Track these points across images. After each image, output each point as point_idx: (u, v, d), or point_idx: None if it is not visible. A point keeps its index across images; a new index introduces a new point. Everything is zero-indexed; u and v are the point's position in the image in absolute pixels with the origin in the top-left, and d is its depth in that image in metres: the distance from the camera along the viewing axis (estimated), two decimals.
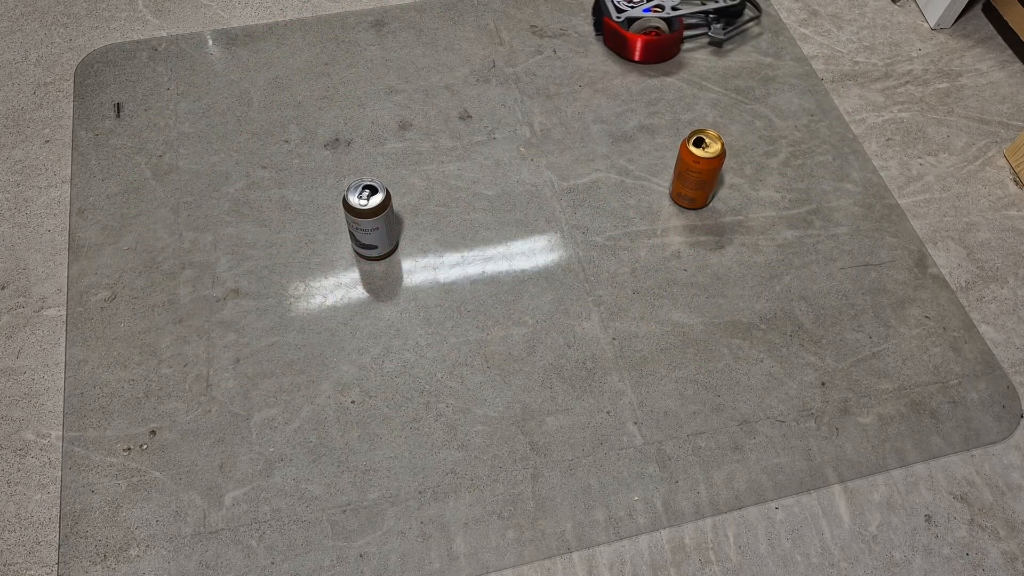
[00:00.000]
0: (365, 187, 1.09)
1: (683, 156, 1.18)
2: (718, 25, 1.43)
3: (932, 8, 1.51)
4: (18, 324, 1.11)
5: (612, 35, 1.41)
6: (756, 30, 1.49)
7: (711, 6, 1.43)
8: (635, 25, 1.39)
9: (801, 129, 1.35)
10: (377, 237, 1.13)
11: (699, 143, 1.17)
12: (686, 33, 1.45)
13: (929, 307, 1.17)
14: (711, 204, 1.26)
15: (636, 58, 1.41)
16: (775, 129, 1.35)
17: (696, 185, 1.20)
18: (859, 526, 0.99)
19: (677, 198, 1.25)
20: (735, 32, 1.46)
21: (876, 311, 1.16)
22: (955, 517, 1.00)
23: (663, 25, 1.39)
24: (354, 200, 1.08)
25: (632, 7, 1.40)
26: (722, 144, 1.17)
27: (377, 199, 1.08)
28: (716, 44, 1.44)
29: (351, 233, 1.14)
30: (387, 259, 1.19)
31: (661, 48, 1.40)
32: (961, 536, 0.99)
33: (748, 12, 1.48)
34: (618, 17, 1.39)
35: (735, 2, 1.43)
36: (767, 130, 1.35)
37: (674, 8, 1.40)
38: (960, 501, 1.01)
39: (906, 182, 1.30)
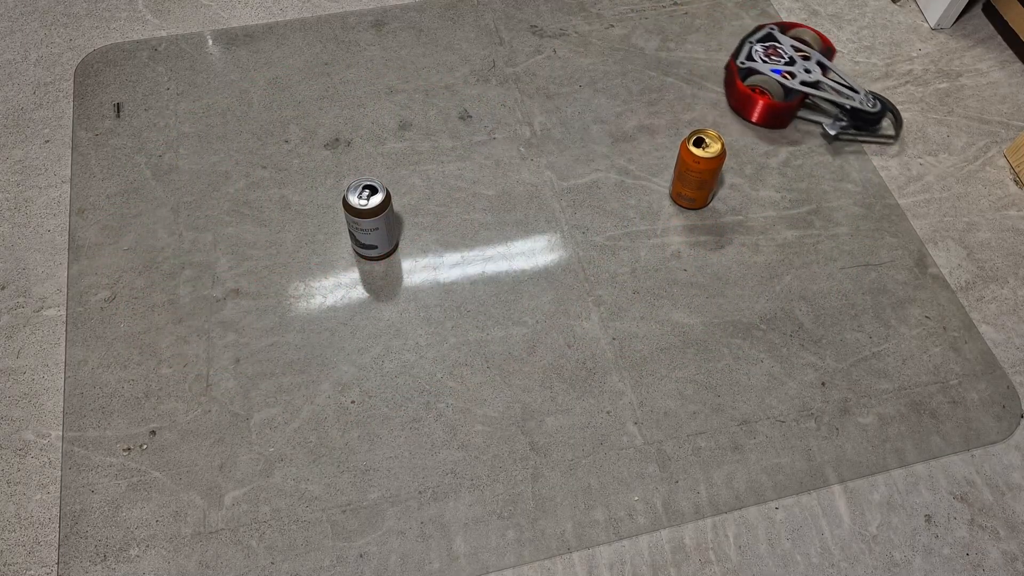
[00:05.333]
0: (365, 187, 1.09)
1: (683, 156, 1.18)
2: (841, 122, 1.31)
3: (932, 8, 1.51)
4: (18, 324, 1.11)
5: (732, 86, 1.35)
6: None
7: (845, 102, 1.30)
8: (751, 79, 1.33)
9: (801, 129, 1.35)
10: (377, 237, 1.13)
11: (699, 143, 1.17)
12: (804, 114, 1.35)
13: (929, 307, 1.17)
14: (711, 204, 1.26)
15: (754, 119, 1.34)
16: (775, 129, 1.35)
17: (696, 185, 1.20)
18: (859, 526, 0.99)
19: (677, 198, 1.25)
20: (852, 137, 1.33)
21: (876, 311, 1.16)
22: (955, 517, 1.00)
23: (769, 86, 1.31)
24: (354, 200, 1.08)
25: (770, 64, 1.32)
26: (722, 144, 1.17)
27: (377, 199, 1.08)
28: (827, 138, 1.32)
29: (351, 233, 1.14)
30: (387, 259, 1.19)
31: (778, 113, 1.32)
32: (961, 536, 0.99)
33: (883, 129, 1.35)
34: (742, 63, 1.33)
35: (873, 110, 1.29)
36: (767, 130, 1.35)
37: (804, 84, 1.30)
38: (960, 501, 1.01)
39: (906, 182, 1.30)
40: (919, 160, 1.33)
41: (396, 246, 1.20)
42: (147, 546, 0.95)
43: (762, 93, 1.31)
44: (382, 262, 1.18)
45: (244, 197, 1.24)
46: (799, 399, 1.08)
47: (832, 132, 1.30)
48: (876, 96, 1.31)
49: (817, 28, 1.50)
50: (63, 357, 1.08)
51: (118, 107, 1.33)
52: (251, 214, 1.22)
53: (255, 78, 1.38)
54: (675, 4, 1.53)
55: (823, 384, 1.09)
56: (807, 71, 1.31)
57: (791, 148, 1.33)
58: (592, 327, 1.13)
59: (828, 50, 1.38)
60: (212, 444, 1.02)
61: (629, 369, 1.10)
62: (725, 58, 1.44)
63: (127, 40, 1.43)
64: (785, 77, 1.30)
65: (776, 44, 1.34)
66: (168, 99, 1.35)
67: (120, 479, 0.99)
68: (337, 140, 1.31)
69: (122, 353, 1.08)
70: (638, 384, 1.08)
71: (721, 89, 1.40)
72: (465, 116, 1.35)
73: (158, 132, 1.30)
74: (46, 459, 1.01)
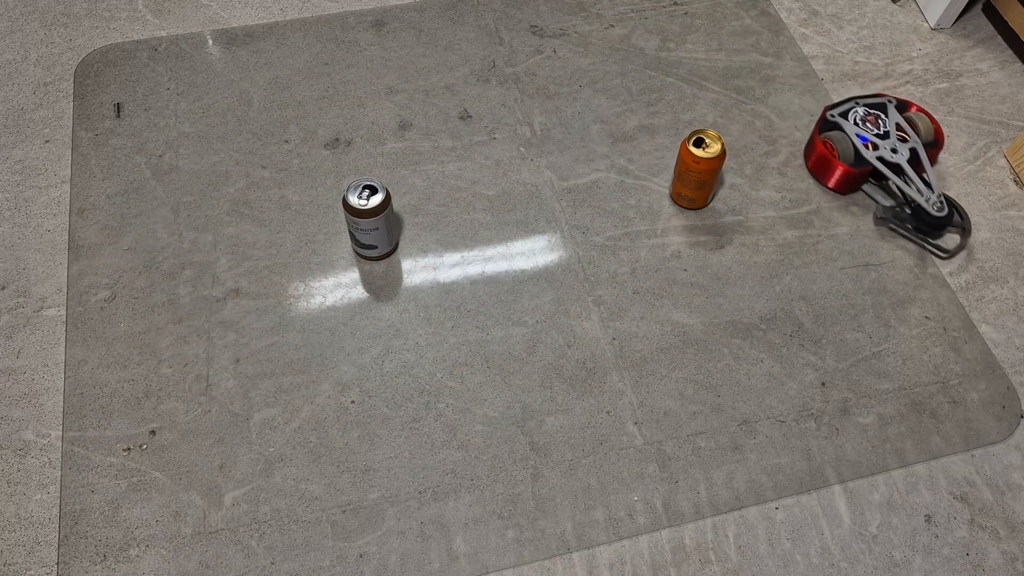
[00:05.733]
0: (365, 187, 1.09)
1: (683, 156, 1.18)
2: (896, 211, 1.22)
3: (932, 8, 1.51)
4: (18, 324, 1.11)
5: (812, 141, 1.29)
6: (756, 28, 1.49)
7: (912, 194, 1.20)
8: (827, 133, 1.27)
9: (801, 129, 1.35)
10: (377, 237, 1.13)
11: (699, 143, 1.17)
12: (868, 189, 1.27)
13: (929, 307, 1.17)
14: (711, 204, 1.26)
15: (830, 184, 1.27)
16: (775, 129, 1.35)
17: (696, 185, 1.20)
18: (859, 526, 0.99)
19: (677, 198, 1.25)
20: (904, 234, 1.22)
21: (876, 311, 1.16)
22: (955, 517, 1.00)
23: (840, 144, 1.24)
24: (354, 200, 1.08)
25: (859, 129, 1.25)
26: (722, 144, 1.17)
27: (377, 199, 1.08)
28: (875, 219, 1.24)
29: (351, 233, 1.14)
30: (387, 259, 1.19)
31: (853, 180, 1.26)
32: (961, 536, 0.99)
33: (946, 240, 1.23)
34: (832, 116, 1.27)
35: (936, 214, 1.18)
36: (767, 130, 1.35)
37: (881, 160, 1.22)
38: (960, 501, 1.01)
39: None
40: None
41: (396, 246, 1.20)
42: (147, 546, 0.95)
43: (832, 150, 1.25)
44: (382, 262, 1.18)
45: (244, 197, 1.24)
46: (799, 399, 1.08)
47: (879, 215, 1.22)
48: (950, 203, 1.21)
49: (821, 30, 1.51)
50: (63, 357, 1.08)
51: (118, 107, 1.33)
52: (251, 214, 1.22)
53: (255, 78, 1.38)
54: (675, 4, 1.53)
55: (823, 384, 1.09)
56: (894, 151, 1.23)
57: (791, 148, 1.33)
58: (592, 327, 1.13)
59: (934, 142, 1.27)
60: (212, 444, 1.02)
61: (629, 369, 1.10)
62: (725, 58, 1.45)
63: (127, 40, 1.43)
64: (867, 147, 1.23)
65: (881, 115, 1.26)
66: (168, 99, 1.35)
67: (120, 479, 0.99)
68: (337, 140, 1.31)
69: (122, 353, 1.08)
70: (638, 384, 1.08)
71: (721, 89, 1.40)
72: (465, 116, 1.35)
73: (158, 132, 1.30)
74: (46, 459, 1.01)
